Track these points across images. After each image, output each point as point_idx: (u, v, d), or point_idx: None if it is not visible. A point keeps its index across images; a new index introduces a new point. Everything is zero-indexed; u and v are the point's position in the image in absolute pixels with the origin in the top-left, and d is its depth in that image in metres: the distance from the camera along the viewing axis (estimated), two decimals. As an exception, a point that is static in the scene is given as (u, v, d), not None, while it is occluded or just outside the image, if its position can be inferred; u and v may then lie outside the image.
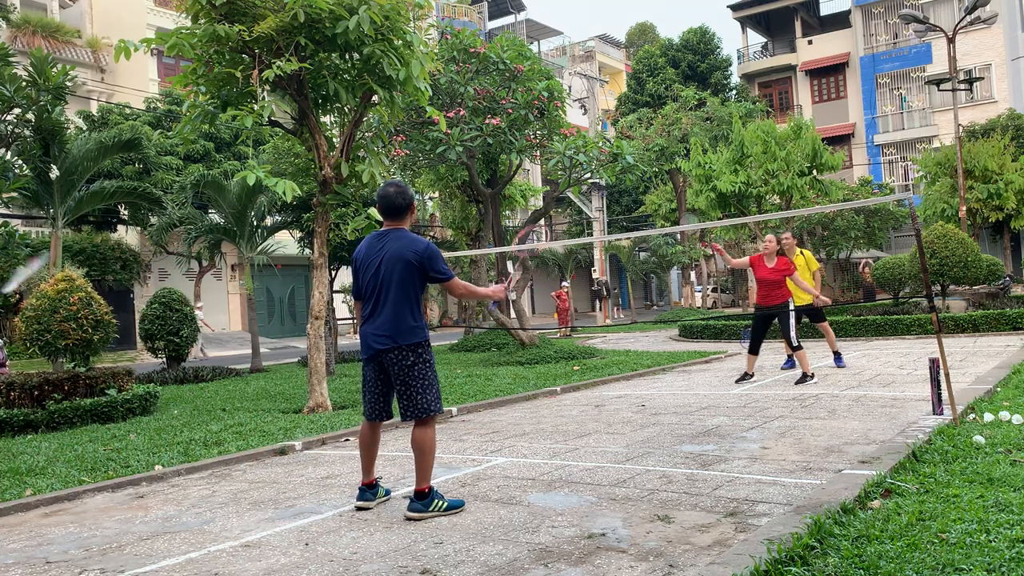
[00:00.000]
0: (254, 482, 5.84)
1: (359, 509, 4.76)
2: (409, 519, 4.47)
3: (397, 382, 4.63)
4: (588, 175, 15.49)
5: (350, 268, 4.97)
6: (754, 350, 9.89)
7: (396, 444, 7.08)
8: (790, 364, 11.09)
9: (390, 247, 4.66)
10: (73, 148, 13.52)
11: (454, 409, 8.72)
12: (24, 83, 12.00)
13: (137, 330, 15.85)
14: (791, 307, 9.69)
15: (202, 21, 8.30)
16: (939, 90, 24.77)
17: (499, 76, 14.39)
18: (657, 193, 33.11)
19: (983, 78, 32.15)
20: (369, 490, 4.82)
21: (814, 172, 18.75)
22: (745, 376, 9.93)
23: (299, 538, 4.28)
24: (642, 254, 38.87)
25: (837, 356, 10.99)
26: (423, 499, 4.51)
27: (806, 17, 41.97)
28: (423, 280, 4.67)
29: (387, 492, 5.00)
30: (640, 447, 6.20)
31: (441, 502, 4.55)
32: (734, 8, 42.32)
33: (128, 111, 25.70)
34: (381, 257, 4.66)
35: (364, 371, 4.78)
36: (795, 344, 9.58)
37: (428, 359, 4.67)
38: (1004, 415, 6.02)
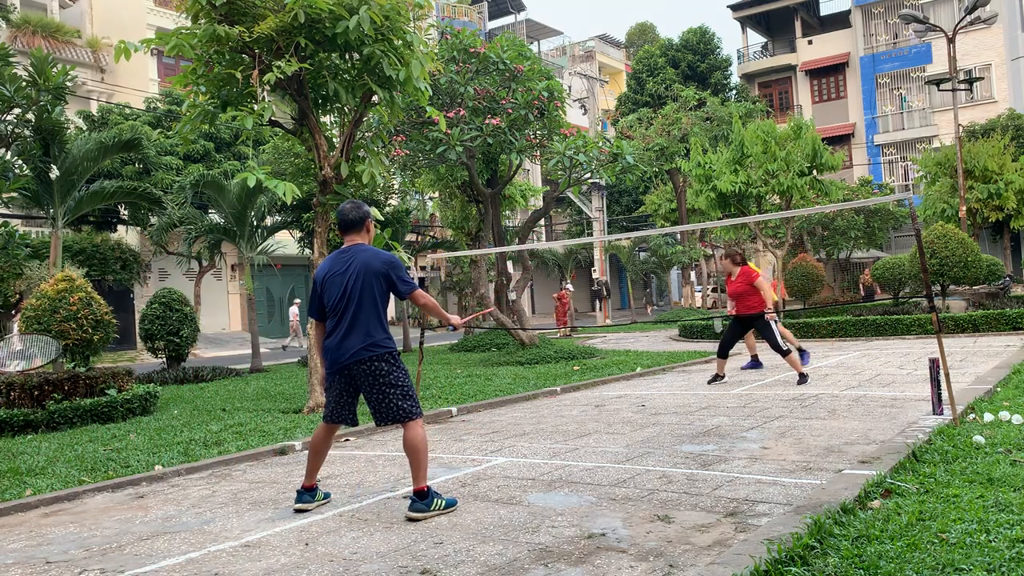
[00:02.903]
0: (254, 482, 5.84)
1: (298, 511, 4.80)
2: (412, 519, 4.48)
3: (372, 391, 4.63)
4: (588, 175, 15.49)
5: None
6: (723, 354, 9.96)
7: (396, 444, 7.08)
8: (752, 365, 11.39)
9: (357, 260, 4.70)
10: (73, 148, 13.52)
11: (454, 409, 8.72)
12: (24, 83, 12.00)
13: (137, 330, 15.85)
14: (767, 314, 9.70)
15: (202, 21, 8.30)
16: (939, 90, 24.77)
17: (499, 76, 14.39)
18: (657, 193, 33.11)
19: (983, 78, 32.15)
20: (307, 492, 4.87)
21: (814, 172, 18.71)
22: (716, 378, 9.98)
23: (299, 538, 4.29)
24: (642, 254, 38.86)
25: (754, 360, 11.44)
26: (424, 499, 4.53)
27: (806, 17, 41.98)
28: (389, 290, 4.72)
29: (326, 495, 5.04)
30: (640, 447, 6.20)
31: (441, 501, 4.58)
32: (734, 8, 42.32)
33: (128, 111, 25.70)
34: (349, 271, 4.68)
35: (330, 380, 4.78)
36: (783, 349, 9.54)
37: (401, 366, 4.71)
38: (1004, 415, 6.02)
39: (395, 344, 4.77)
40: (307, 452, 6.96)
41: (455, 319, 5.12)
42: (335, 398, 4.77)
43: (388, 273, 4.69)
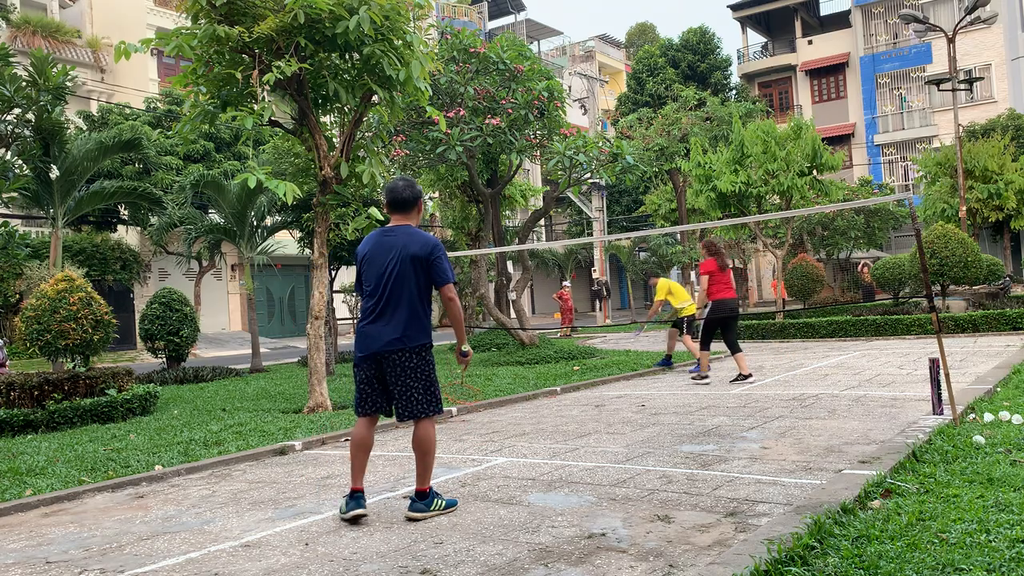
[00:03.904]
0: (254, 482, 5.84)
1: (355, 519, 4.43)
2: (412, 519, 4.46)
3: (396, 384, 4.48)
4: (588, 175, 15.49)
5: (354, 267, 4.80)
6: (734, 350, 10.28)
7: (396, 444, 7.08)
8: (665, 363, 12.29)
9: (400, 243, 4.49)
10: (73, 148, 13.51)
11: (454, 409, 8.72)
12: (24, 83, 11.99)
13: (137, 330, 15.85)
14: (702, 313, 10.43)
15: (202, 21, 8.30)
16: (939, 90, 24.76)
17: (499, 76, 14.39)
18: (657, 193, 33.10)
19: (983, 78, 32.13)
20: (362, 496, 4.50)
21: (814, 172, 18.70)
22: (740, 377, 10.12)
23: (299, 538, 4.28)
24: (642, 254, 38.84)
25: (667, 359, 12.32)
26: (425, 499, 4.51)
27: (806, 17, 41.97)
28: (427, 276, 4.50)
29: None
30: (640, 447, 6.20)
31: (441, 501, 4.57)
32: (734, 8, 42.32)
33: (128, 111, 25.70)
34: (391, 254, 4.49)
35: (360, 368, 4.56)
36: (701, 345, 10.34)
37: (431, 360, 4.58)
38: (1004, 415, 6.02)
39: (431, 336, 4.59)
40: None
41: (467, 350, 4.75)
42: (369, 385, 4.54)
43: (428, 257, 4.45)
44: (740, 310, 11.08)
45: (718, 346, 11.62)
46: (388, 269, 4.47)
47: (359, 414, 4.61)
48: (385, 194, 4.68)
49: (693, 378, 10.28)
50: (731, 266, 10.40)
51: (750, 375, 10.04)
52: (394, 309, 4.46)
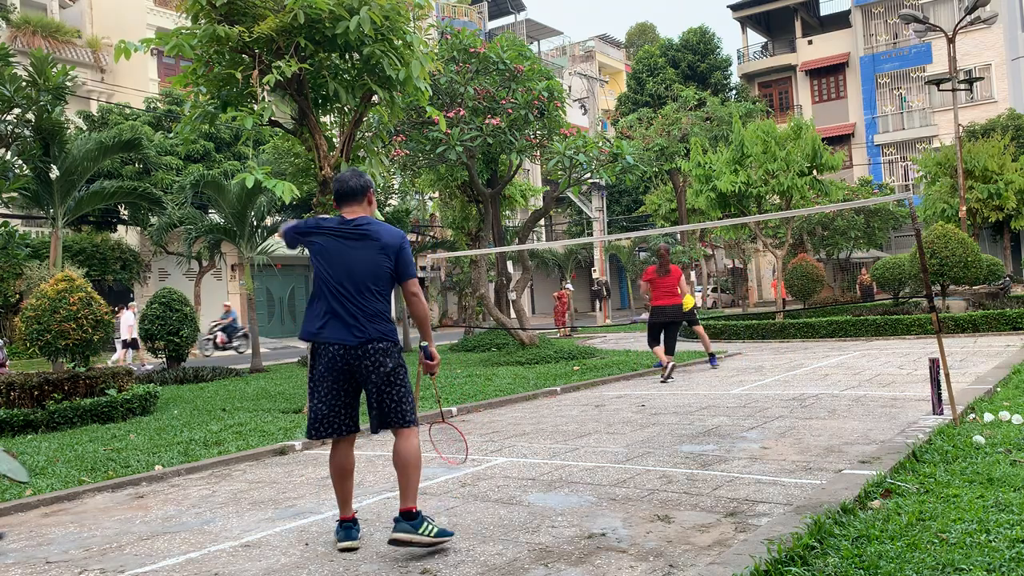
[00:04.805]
0: (254, 482, 5.84)
1: (345, 551, 3.98)
2: (397, 542, 3.82)
3: (374, 389, 3.96)
4: (588, 175, 15.49)
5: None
6: (667, 351, 10.82)
7: (396, 444, 7.07)
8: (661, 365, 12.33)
9: (364, 232, 4.04)
10: (73, 148, 13.52)
11: (454, 409, 8.72)
12: (24, 83, 12.00)
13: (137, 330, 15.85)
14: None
15: (202, 21, 8.31)
16: (939, 90, 24.76)
17: (499, 76, 14.39)
18: (657, 193, 33.11)
19: (983, 78, 32.15)
20: (354, 526, 4.06)
21: (814, 172, 18.72)
22: (665, 369, 10.59)
23: (299, 538, 4.28)
24: (642, 254, 38.85)
25: (712, 357, 12.24)
26: (412, 519, 3.85)
27: (806, 17, 41.99)
28: (395, 268, 4.07)
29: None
30: (640, 447, 6.20)
31: (431, 526, 3.88)
32: (734, 8, 42.33)
33: (128, 111, 25.71)
34: (356, 244, 4.02)
35: (323, 378, 3.98)
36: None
37: (404, 362, 4.10)
38: (1004, 415, 6.02)
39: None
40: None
41: (434, 353, 4.24)
42: (336, 398, 3.98)
43: (399, 248, 4.03)
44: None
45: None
46: (352, 262, 3.99)
47: (335, 435, 4.04)
48: (333, 187, 4.22)
49: (661, 381, 10.47)
50: (672, 273, 10.80)
51: (669, 373, 10.63)
52: (363, 306, 3.97)
